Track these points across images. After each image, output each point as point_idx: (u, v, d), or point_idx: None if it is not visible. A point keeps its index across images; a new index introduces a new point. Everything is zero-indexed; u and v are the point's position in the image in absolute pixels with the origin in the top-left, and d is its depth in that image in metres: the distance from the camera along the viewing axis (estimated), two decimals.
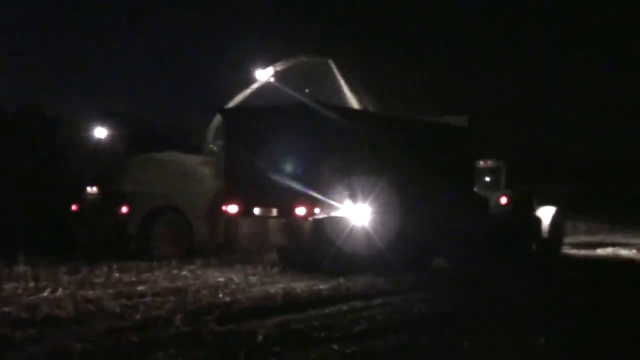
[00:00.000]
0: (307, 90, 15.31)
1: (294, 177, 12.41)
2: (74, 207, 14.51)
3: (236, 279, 11.39)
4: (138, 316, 8.14)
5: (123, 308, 8.59)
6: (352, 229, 12.75)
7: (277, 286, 10.76)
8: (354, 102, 15.54)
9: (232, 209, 13.28)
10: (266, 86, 15.92)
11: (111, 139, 15.44)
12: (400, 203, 13.17)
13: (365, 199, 12.85)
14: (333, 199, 12.53)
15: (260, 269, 12.73)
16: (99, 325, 7.53)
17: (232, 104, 15.93)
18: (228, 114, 14.16)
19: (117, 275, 11.45)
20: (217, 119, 15.90)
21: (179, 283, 11.01)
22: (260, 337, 7.16)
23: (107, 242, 14.29)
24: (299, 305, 9.28)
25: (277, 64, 15.83)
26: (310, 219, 12.40)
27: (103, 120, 15.60)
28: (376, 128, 13.68)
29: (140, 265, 12.54)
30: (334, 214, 12.68)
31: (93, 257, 13.05)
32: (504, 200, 17.32)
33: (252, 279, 11.62)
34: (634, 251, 19.08)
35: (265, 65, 15.78)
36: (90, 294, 9.59)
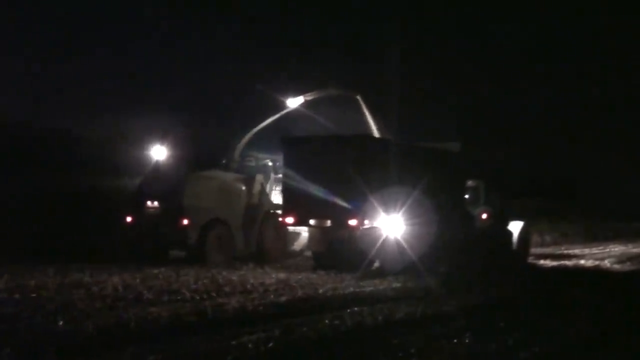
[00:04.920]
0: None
1: (344, 194, 15.99)
2: (129, 219, 17.36)
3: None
4: None
5: None
6: (385, 239, 16.35)
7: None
8: (376, 131, 19.24)
9: (289, 220, 16.70)
10: (293, 113, 19.36)
11: (169, 157, 18.36)
12: (425, 216, 16.91)
13: (397, 213, 16.49)
14: (373, 213, 16.15)
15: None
16: None
17: (260, 126, 19.22)
18: (289, 142, 17.59)
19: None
20: (245, 139, 19.14)
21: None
22: None
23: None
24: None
25: (308, 94, 19.24)
26: (360, 228, 15.98)
27: (161, 138, 18.48)
28: (403, 154, 17.42)
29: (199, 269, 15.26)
30: (370, 225, 16.28)
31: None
32: (484, 215, 21.38)
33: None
34: (591, 261, 23.68)
35: (297, 94, 19.22)
36: None
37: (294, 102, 19.31)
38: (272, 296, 12.12)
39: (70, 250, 17.11)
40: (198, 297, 11.71)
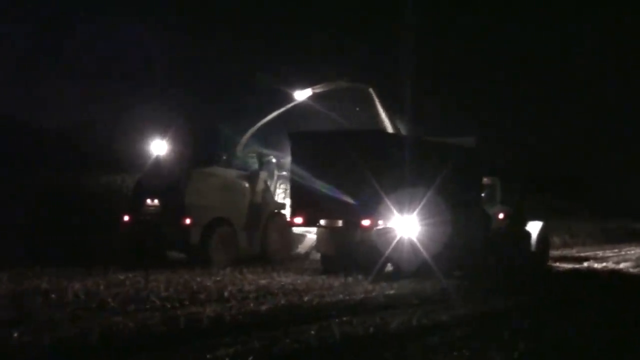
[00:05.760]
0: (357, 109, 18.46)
1: (356, 192, 15.16)
2: (126, 218, 16.49)
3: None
4: None
5: None
6: (399, 240, 15.52)
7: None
8: (389, 127, 18.37)
9: (298, 220, 15.86)
10: (301, 106, 18.52)
11: (169, 152, 17.48)
12: (440, 216, 16.10)
13: (412, 213, 15.67)
14: (387, 212, 15.32)
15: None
16: None
17: (265, 120, 18.41)
18: (297, 137, 16.68)
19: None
20: (249, 134, 18.32)
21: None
22: None
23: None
24: None
25: (316, 87, 18.33)
26: (373, 229, 15.17)
27: (161, 133, 17.63)
28: (417, 150, 16.60)
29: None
30: (384, 225, 15.47)
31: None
32: (501, 215, 20.52)
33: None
34: (605, 264, 22.86)
35: (305, 86, 18.37)
36: None
37: (301, 95, 18.46)
38: (251, 305, 11.09)
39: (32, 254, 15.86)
40: (169, 306, 10.68)
